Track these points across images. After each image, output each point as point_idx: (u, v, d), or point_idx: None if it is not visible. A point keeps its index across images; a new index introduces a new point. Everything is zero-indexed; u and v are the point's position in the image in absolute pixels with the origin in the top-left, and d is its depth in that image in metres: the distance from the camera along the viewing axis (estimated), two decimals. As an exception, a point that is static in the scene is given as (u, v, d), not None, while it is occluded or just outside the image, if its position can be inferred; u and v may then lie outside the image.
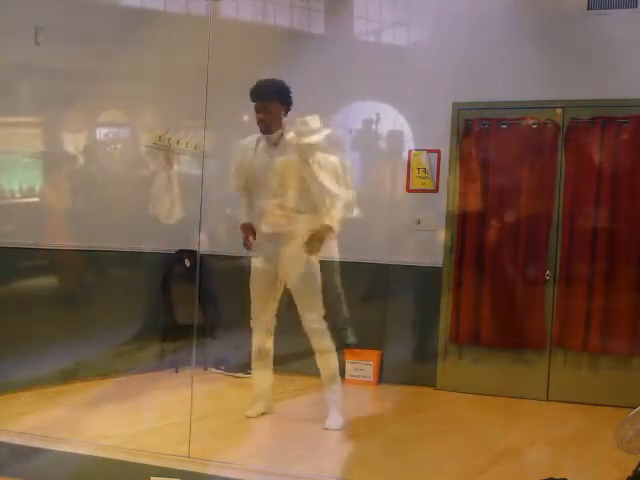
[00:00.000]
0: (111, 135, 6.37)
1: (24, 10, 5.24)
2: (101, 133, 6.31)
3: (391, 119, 6.44)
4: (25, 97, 5.44)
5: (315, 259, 4.76)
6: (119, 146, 6.47)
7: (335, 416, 4.71)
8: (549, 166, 6.00)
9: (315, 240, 4.70)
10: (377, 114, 6.43)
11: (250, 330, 4.90)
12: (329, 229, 4.73)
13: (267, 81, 4.79)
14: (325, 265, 4.93)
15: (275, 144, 4.77)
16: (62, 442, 3.97)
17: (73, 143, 6.02)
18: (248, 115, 4.92)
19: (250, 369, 5.09)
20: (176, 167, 6.49)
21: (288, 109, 4.80)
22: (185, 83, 5.67)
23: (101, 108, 5.98)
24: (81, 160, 6.07)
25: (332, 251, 5.19)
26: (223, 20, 6.27)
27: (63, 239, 5.65)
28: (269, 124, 4.75)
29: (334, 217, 4.72)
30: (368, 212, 5.95)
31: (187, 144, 6.47)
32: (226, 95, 5.40)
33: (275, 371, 5.01)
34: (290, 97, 4.79)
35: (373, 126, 6.50)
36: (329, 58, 6.48)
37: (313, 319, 4.71)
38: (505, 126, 6.12)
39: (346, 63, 6.45)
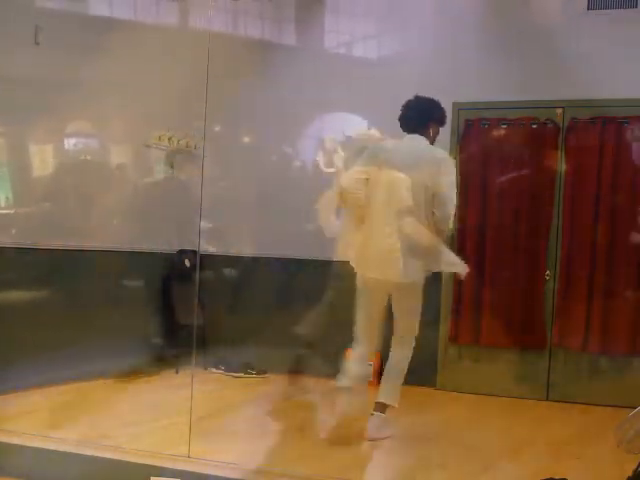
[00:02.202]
0: (110, 137, 6.37)
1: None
2: (100, 135, 6.32)
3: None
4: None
5: None
6: (118, 147, 6.47)
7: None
8: (549, 166, 6.00)
9: None
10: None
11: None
12: None
13: None
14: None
15: None
16: (62, 442, 3.97)
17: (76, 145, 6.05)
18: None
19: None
20: (175, 166, 6.50)
21: None
22: (177, 88, 5.73)
23: (100, 112, 5.98)
24: (81, 162, 6.09)
25: None
26: (196, 30, 6.34)
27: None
28: None
29: None
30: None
31: (187, 144, 6.47)
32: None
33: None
34: None
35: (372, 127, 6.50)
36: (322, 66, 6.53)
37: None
38: (505, 126, 6.13)
39: (347, 69, 6.45)
